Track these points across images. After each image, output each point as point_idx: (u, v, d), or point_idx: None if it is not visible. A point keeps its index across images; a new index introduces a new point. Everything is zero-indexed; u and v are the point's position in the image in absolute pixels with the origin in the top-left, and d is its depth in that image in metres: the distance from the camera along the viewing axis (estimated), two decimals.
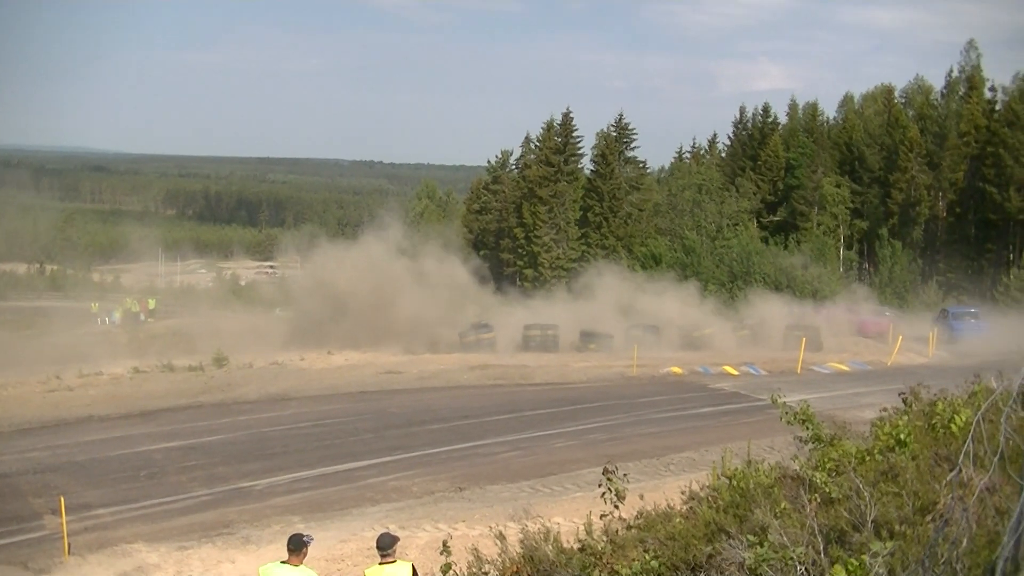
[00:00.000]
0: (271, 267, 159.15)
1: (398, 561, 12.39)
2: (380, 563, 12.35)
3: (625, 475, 11.65)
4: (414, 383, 42.81)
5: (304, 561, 12.14)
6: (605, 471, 11.45)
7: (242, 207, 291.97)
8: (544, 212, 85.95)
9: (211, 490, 25.27)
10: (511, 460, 28.51)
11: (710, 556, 9.67)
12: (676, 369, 46.41)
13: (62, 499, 20.71)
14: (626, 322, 55.94)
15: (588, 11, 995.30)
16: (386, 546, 12.38)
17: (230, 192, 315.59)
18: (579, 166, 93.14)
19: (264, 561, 14.88)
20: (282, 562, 12.08)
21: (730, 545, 9.20)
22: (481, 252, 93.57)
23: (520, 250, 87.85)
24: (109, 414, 35.99)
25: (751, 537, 8.97)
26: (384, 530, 14.28)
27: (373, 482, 25.91)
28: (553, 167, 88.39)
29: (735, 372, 46.06)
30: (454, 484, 25.61)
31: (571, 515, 20.61)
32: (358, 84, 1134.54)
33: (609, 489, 11.26)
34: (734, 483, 11.97)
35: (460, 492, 24.92)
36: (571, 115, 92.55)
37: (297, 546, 12.10)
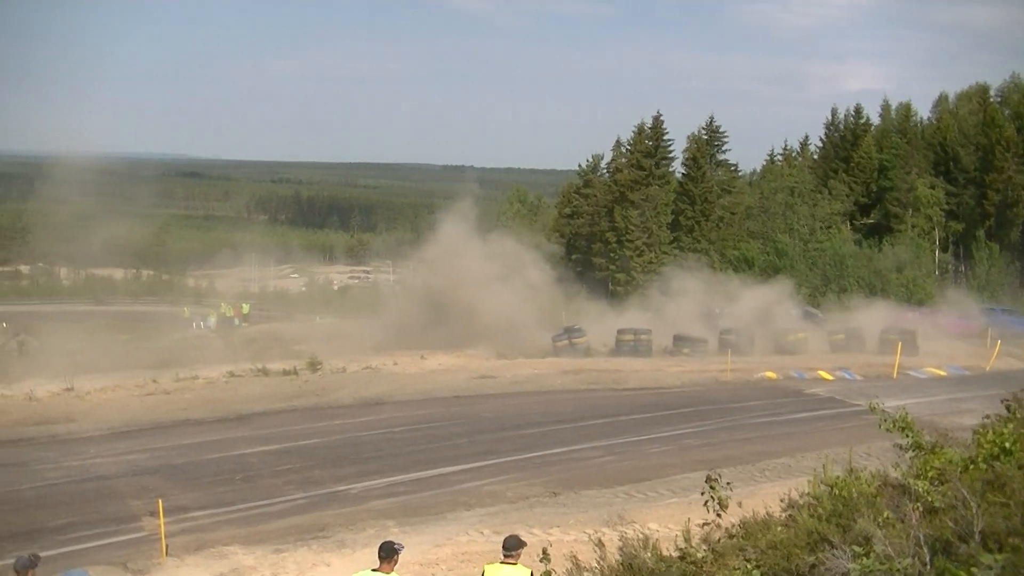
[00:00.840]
0: (365, 272, 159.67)
1: (519, 565, 12.47)
2: (502, 562, 12.49)
3: (729, 483, 11.56)
4: (507, 387, 42.77)
5: (396, 568, 12.19)
6: (708, 479, 11.37)
7: (333, 212, 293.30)
8: (635, 216, 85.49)
9: (306, 493, 25.45)
10: (605, 465, 28.44)
11: (813, 566, 9.56)
12: (770, 374, 46.07)
13: (159, 501, 20.98)
14: (718, 326, 55.62)
15: (675, 13, 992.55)
16: (511, 547, 12.60)
17: (321, 197, 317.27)
18: (670, 169, 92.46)
19: (359, 565, 14.96)
20: (373, 570, 12.13)
21: (833, 555, 9.07)
22: (573, 256, 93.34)
23: (612, 254, 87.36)
24: (205, 418, 36.36)
25: (857, 548, 8.84)
26: (483, 534, 14.30)
27: (467, 487, 25.95)
28: (644, 170, 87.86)
29: (830, 377, 45.59)
30: (548, 489, 25.58)
31: (666, 521, 20.55)
32: (447, 88, 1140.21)
33: (712, 497, 11.17)
34: (835, 491, 11.83)
35: (554, 497, 24.87)
36: (661, 118, 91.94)
37: (388, 553, 12.14)
